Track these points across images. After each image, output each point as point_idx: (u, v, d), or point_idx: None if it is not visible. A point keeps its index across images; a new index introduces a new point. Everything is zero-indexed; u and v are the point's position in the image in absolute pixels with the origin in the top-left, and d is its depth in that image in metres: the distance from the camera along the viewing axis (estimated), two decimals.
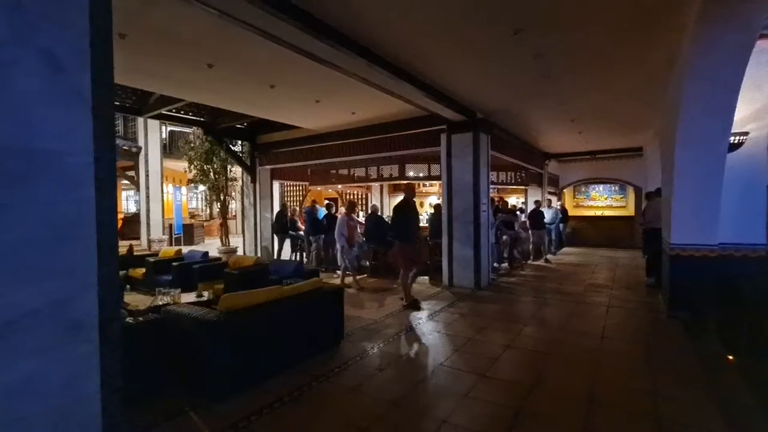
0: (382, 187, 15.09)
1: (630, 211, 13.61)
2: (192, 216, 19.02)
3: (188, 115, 8.90)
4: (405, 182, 13.10)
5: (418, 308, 5.57)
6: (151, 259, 6.90)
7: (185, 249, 8.00)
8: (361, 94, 5.98)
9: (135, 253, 7.95)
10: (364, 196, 15.88)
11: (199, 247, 14.69)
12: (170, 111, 8.25)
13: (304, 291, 3.92)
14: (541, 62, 4.59)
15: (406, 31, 3.97)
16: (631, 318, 5.29)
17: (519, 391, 3.19)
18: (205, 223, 18.31)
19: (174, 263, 6.38)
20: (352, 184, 12.69)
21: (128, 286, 7.09)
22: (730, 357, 4.07)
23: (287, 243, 10.35)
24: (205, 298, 4.56)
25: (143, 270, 6.95)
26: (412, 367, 3.67)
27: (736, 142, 4.45)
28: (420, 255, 6.32)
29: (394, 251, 6.00)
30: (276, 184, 20.06)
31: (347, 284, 7.08)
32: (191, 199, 20.26)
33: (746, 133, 4.50)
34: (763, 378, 3.56)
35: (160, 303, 4.12)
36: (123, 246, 11.35)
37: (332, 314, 4.23)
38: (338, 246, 7.52)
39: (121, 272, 6.64)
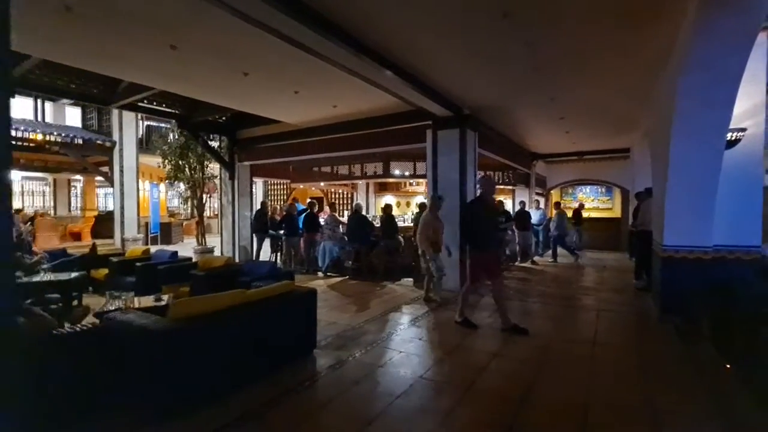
0: (368, 185, 14.77)
1: (616, 212, 13.56)
2: (172, 215, 18.36)
3: (161, 106, 8.40)
4: (391, 180, 12.86)
5: (473, 327, 4.63)
6: (115, 260, 6.42)
7: (160, 249, 7.52)
8: (343, 85, 5.65)
9: (99, 253, 7.43)
10: (349, 195, 15.53)
11: (176, 247, 14.10)
12: (141, 102, 7.76)
13: (272, 295, 3.54)
14: (531, 52, 4.32)
15: (394, 20, 3.70)
16: (622, 323, 5.07)
17: (506, 407, 2.88)
18: (185, 222, 17.70)
19: (138, 264, 5.92)
20: (335, 182, 12.34)
21: (90, 288, 6.61)
22: (728, 365, 3.84)
23: (267, 243, 9.94)
24: (164, 303, 4.14)
25: (106, 271, 6.47)
26: (391, 380, 3.33)
27: (733, 138, 4.25)
28: (498, 266, 4.95)
29: (470, 260, 4.76)
30: (259, 182, 19.60)
31: (432, 298, 5.98)
32: (172, 197, 19.56)
33: (743, 130, 4.31)
34: (763, 387, 3.35)
35: (110, 308, 3.71)
36: (87, 245, 10.78)
37: (304, 320, 3.86)
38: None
39: (83, 273, 6.14)
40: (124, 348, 2.82)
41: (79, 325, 2.89)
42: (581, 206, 12.67)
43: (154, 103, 8.22)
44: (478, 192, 4.79)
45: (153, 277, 5.60)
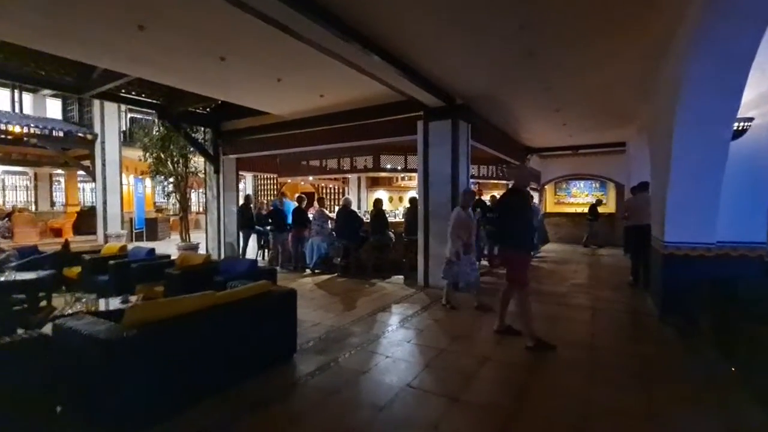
0: (360, 179, 14.44)
1: (611, 208, 13.40)
2: (159, 210, 17.88)
3: (141, 96, 8.00)
4: (383, 174, 12.55)
5: (551, 348, 3.78)
6: (88, 257, 6.06)
7: (136, 246, 7.15)
8: (330, 73, 5.33)
9: (78, 250, 7.06)
10: (340, 190, 15.19)
11: (162, 244, 13.77)
12: (119, 91, 7.37)
13: (245, 297, 3.25)
14: (526, 35, 4.04)
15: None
16: (619, 323, 4.84)
17: (497, 419, 2.63)
18: (172, 218, 17.25)
19: (111, 262, 5.58)
20: (326, 177, 12.01)
21: (64, 288, 6.26)
22: (733, 369, 3.63)
23: (254, 239, 9.62)
24: (131, 304, 3.83)
25: (79, 269, 6.12)
26: (374, 389, 3.06)
27: (740, 128, 4.02)
28: (526, 268, 4.16)
29: (510, 264, 4.11)
30: (249, 177, 19.21)
31: (452, 305, 5.35)
32: (161, 192, 19.06)
33: (751, 119, 4.07)
34: (764, 389, 3.14)
35: (70, 312, 3.40)
36: (60, 242, 10.37)
37: (282, 323, 3.58)
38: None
39: (51, 272, 5.79)
40: (77, 358, 2.51)
41: (25, 332, 2.57)
42: (598, 202, 12.50)
43: (133, 93, 7.83)
44: (512, 185, 4.19)
45: (126, 276, 5.28)
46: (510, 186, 4.12)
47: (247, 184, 19.16)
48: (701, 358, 3.76)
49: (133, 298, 3.97)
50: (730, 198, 4.23)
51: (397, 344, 4.03)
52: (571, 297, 5.94)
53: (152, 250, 6.23)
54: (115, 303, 3.78)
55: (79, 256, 6.39)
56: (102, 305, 3.79)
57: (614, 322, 4.84)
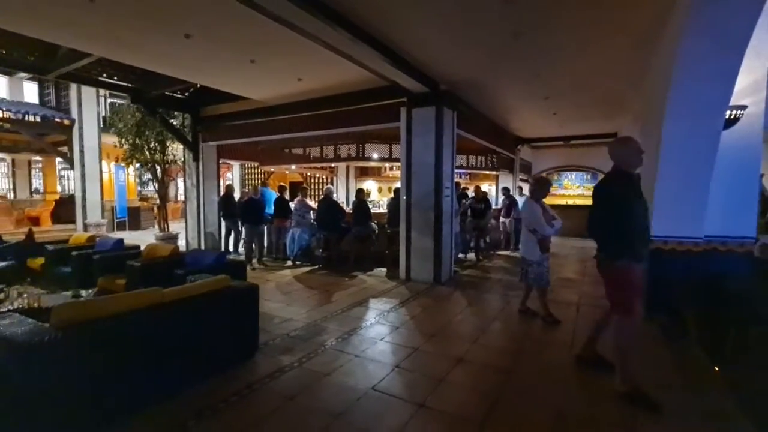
0: (348, 169, 14.15)
1: None
2: (144, 199, 17.45)
3: (113, 79, 7.61)
4: (372, 164, 12.26)
5: (653, 407, 2.62)
6: (51, 248, 5.75)
7: (102, 236, 6.85)
8: (307, 55, 5.03)
9: (42, 239, 6.74)
10: (328, 180, 14.88)
11: (144, 233, 13.42)
12: (87, 72, 6.98)
13: (199, 293, 3.00)
14: (509, 11, 3.75)
15: None
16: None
17: (462, 430, 2.43)
18: (156, 207, 16.85)
19: (74, 253, 5.28)
20: (312, 166, 11.70)
21: (29, 279, 5.95)
22: (716, 368, 3.47)
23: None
24: (83, 299, 3.57)
25: (43, 260, 5.82)
26: (335, 393, 2.84)
27: (732, 116, 3.79)
28: (639, 286, 2.94)
29: (607, 279, 2.89)
30: (236, 166, 18.78)
31: (533, 310, 4.67)
32: (147, 180, 18.55)
33: (744, 107, 3.85)
34: (751, 392, 2.98)
35: (9, 308, 3.13)
36: (46, 231, 9.99)
37: (242, 321, 3.34)
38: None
39: (11, 263, 5.50)
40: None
41: None
42: None
43: (104, 75, 7.43)
44: (613, 166, 2.86)
45: (90, 268, 5.00)
46: (610, 170, 2.87)
47: (234, 174, 18.80)
48: (686, 358, 3.58)
49: (84, 293, 3.70)
50: (720, 191, 4.03)
51: (368, 342, 3.82)
52: (556, 292, 5.73)
53: (121, 240, 5.93)
54: (62, 298, 3.51)
55: (43, 246, 6.08)
56: (49, 300, 3.52)
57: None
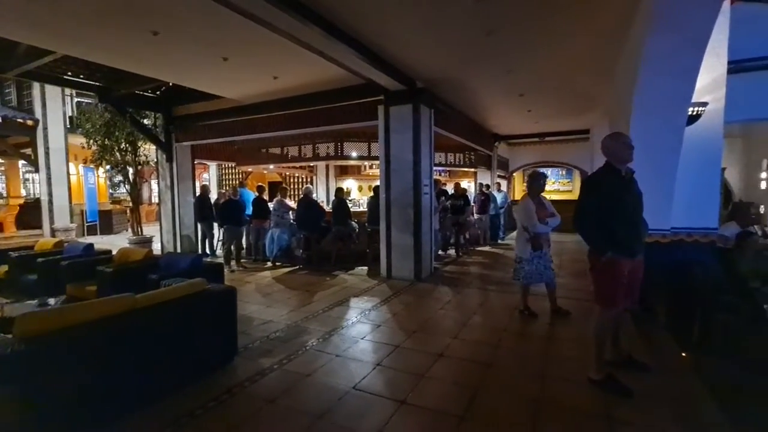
0: (327, 168, 14.05)
1: (576, 195, 13.62)
2: (116, 201, 16.83)
3: (79, 77, 7.30)
4: (351, 162, 12.20)
5: (628, 393, 2.74)
6: (14, 255, 5.49)
7: (71, 242, 6.58)
8: (282, 53, 4.96)
9: (2, 246, 6.43)
10: (308, 179, 14.73)
11: (117, 237, 12.96)
12: (50, 70, 6.66)
13: (173, 298, 2.92)
14: (482, 9, 3.80)
15: None
16: (577, 312, 4.79)
17: (443, 424, 2.46)
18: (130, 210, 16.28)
19: (39, 259, 5.06)
20: (290, 165, 11.56)
21: None
22: (683, 354, 3.64)
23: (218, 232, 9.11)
24: (49, 307, 3.42)
25: (6, 268, 5.55)
26: (316, 394, 2.83)
27: (694, 113, 3.97)
28: (640, 282, 3.01)
29: (593, 271, 2.94)
30: (213, 166, 18.32)
31: (531, 310, 4.53)
32: (118, 183, 17.85)
33: (705, 104, 4.04)
34: (716, 376, 3.14)
35: None
36: (10, 237, 9.52)
37: (219, 325, 3.27)
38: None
39: None
40: None
41: None
42: None
43: (69, 74, 7.12)
44: (607, 155, 2.88)
45: (57, 275, 4.80)
46: (602, 165, 2.90)
47: (210, 174, 18.36)
48: (656, 344, 3.73)
49: (52, 301, 3.55)
50: (684, 184, 4.21)
51: (350, 341, 3.81)
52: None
53: (91, 245, 5.70)
54: (27, 307, 3.36)
55: (6, 253, 5.79)
56: (13, 310, 3.36)
57: (572, 312, 4.79)
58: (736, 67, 4.84)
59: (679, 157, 3.84)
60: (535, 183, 4.36)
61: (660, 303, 4.36)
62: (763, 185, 7.93)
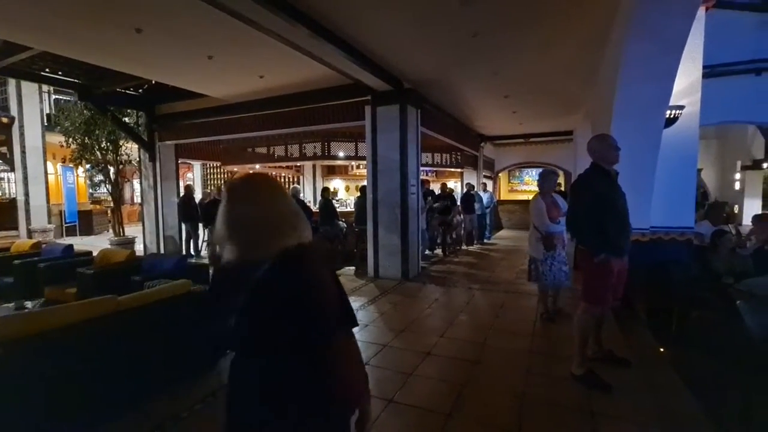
0: (315, 168, 14.01)
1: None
2: (97, 201, 16.41)
3: (58, 74, 7.10)
4: (339, 162, 12.18)
5: (606, 387, 2.82)
6: None
7: (50, 243, 6.40)
8: (268, 52, 4.92)
9: None
10: (295, 179, 14.65)
11: (97, 238, 12.64)
12: (27, 67, 6.47)
13: (158, 299, 2.88)
14: (468, 13, 3.85)
15: None
16: (563, 311, 4.90)
17: (431, 422, 2.49)
18: (111, 210, 15.90)
19: (16, 261, 4.91)
20: (276, 165, 11.48)
21: None
22: (661, 349, 3.76)
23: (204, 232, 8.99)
24: (27, 311, 3.33)
25: None
26: None
27: (671, 116, 4.11)
28: (625, 281, 3.08)
29: (583, 269, 3.01)
30: (197, 166, 18.05)
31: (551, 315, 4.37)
32: (99, 183, 17.39)
33: (682, 107, 4.18)
34: (693, 370, 3.25)
35: None
36: None
37: (205, 326, 3.23)
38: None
39: None
40: None
41: None
42: None
43: (47, 70, 6.91)
44: (594, 157, 2.90)
45: (35, 277, 4.67)
46: (588, 166, 2.92)
47: (195, 174, 18.06)
48: (636, 341, 3.84)
49: (29, 304, 3.46)
50: (662, 184, 4.35)
51: None
52: (518, 284, 5.98)
53: (70, 246, 5.56)
54: (3, 311, 3.27)
55: None
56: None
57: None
58: (711, 71, 5.03)
59: (658, 159, 3.96)
60: (546, 181, 4.14)
61: (640, 300, 4.49)
62: (737, 185, 8.23)
